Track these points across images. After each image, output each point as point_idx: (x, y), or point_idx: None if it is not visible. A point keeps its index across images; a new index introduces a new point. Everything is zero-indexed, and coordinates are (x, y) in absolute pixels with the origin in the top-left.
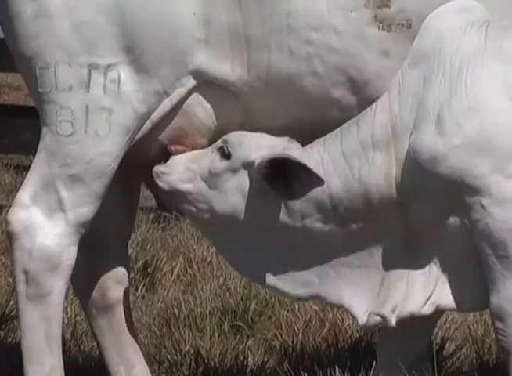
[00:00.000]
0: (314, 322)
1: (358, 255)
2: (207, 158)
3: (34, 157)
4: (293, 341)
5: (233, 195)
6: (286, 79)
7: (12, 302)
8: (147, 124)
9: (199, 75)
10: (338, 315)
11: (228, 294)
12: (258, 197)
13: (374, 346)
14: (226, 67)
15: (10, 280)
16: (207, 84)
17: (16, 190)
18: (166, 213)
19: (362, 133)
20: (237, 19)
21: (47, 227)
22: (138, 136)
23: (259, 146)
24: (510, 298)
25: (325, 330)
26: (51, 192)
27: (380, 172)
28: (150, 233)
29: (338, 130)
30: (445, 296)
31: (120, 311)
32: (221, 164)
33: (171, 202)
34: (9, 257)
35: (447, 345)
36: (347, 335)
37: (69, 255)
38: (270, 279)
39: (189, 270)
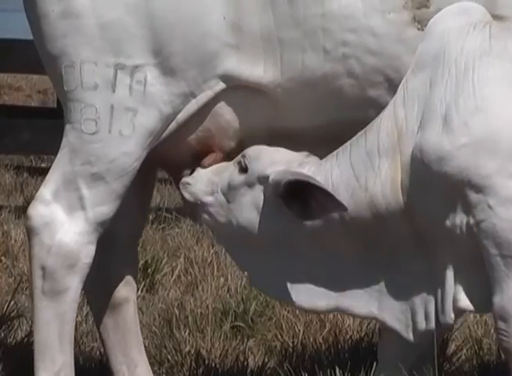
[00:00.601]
0: (314, 323)
1: (373, 266)
2: (227, 172)
3: (34, 158)
4: (293, 342)
5: (248, 209)
6: (321, 80)
7: (12, 303)
8: (172, 125)
9: (228, 79)
10: (339, 316)
11: (228, 294)
12: (271, 212)
13: (375, 347)
14: (259, 70)
15: (11, 280)
16: (236, 87)
17: (16, 191)
18: (166, 214)
19: (369, 142)
20: (270, 22)
21: (67, 224)
22: (163, 136)
23: (275, 161)
24: None
25: (325, 330)
26: (72, 189)
27: (386, 180)
28: (150, 234)
29: (349, 142)
30: (462, 298)
31: (126, 310)
32: (238, 178)
33: (192, 214)
34: (10, 258)
35: (448, 346)
36: (348, 336)
37: (87, 254)
38: (283, 292)
39: (189, 271)
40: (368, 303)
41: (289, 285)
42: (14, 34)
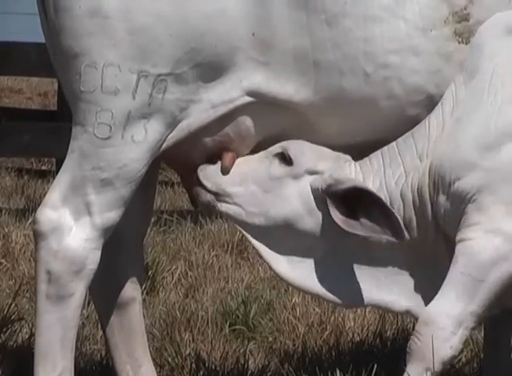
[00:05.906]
0: (315, 325)
1: (410, 261)
2: (261, 163)
3: (34, 160)
4: (294, 344)
5: (292, 200)
6: (358, 102)
7: (13, 305)
8: (183, 132)
9: (255, 94)
10: (340, 318)
11: (229, 297)
12: (318, 206)
13: (376, 349)
14: (289, 88)
15: (11, 283)
16: (261, 101)
17: (17, 193)
18: (164, 216)
19: (420, 147)
20: (305, 44)
21: (74, 230)
22: (174, 141)
23: (323, 157)
24: None
25: (326, 333)
26: (80, 194)
27: (421, 180)
28: (151, 237)
29: (394, 143)
30: None
31: (132, 310)
32: (280, 170)
33: (206, 205)
34: (10, 260)
35: None
36: (349, 338)
37: (93, 260)
38: (316, 286)
39: (189, 273)
40: (403, 300)
41: (323, 279)
42: (15, 36)
